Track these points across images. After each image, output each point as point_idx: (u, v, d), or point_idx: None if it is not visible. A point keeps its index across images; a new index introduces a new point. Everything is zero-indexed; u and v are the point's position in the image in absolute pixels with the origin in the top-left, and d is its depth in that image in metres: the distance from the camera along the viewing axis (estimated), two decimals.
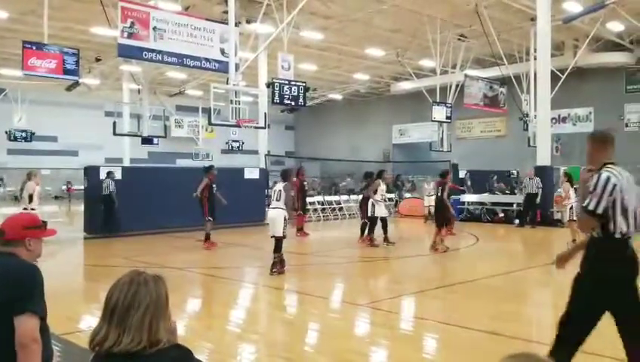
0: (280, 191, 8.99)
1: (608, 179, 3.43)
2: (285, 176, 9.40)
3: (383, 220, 12.71)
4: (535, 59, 19.15)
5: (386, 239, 12.64)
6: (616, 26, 21.48)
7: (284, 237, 8.89)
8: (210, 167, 12.67)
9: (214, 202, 12.24)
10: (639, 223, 3.64)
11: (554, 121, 23.55)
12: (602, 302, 3.52)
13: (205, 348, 5.16)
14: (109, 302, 1.84)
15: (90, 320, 6.01)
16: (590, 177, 3.53)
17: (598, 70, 25.26)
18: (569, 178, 12.10)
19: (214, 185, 12.23)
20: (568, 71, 21.25)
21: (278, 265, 8.78)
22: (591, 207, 3.43)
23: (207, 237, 12.29)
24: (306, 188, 15.36)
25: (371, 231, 12.63)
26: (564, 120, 27.60)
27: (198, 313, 7.23)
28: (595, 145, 3.74)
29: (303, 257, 11.47)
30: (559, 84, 19.92)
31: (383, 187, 12.83)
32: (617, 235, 3.47)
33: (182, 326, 6.06)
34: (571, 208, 11.61)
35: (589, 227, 3.58)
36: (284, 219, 8.84)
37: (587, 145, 3.79)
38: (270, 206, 9.24)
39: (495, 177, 22.68)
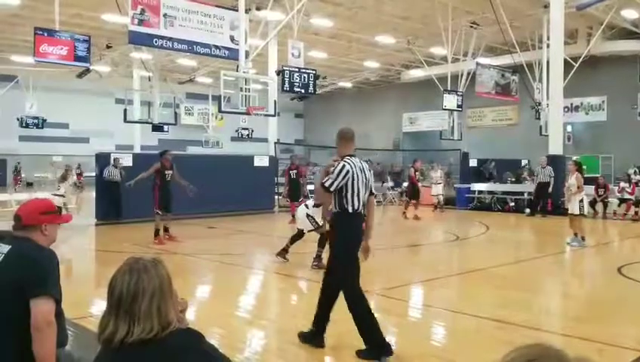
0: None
1: (343, 166, 4.57)
2: None
3: None
4: (548, 47, 18.94)
5: None
6: (630, 14, 21.15)
7: (316, 229, 8.67)
8: (165, 152, 11.44)
9: (168, 192, 11.15)
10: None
11: (566, 109, 23.29)
12: (348, 259, 4.59)
13: (215, 333, 5.20)
14: (112, 294, 1.82)
15: (101, 305, 6.07)
16: (333, 165, 4.65)
17: (611, 58, 24.92)
18: (579, 168, 11.12)
19: (168, 172, 11.03)
20: (581, 59, 20.99)
21: (316, 259, 8.55)
22: (327, 185, 4.58)
23: (157, 233, 11.04)
24: (293, 176, 15.10)
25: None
26: (576, 109, 27.31)
27: (208, 299, 7.30)
28: (341, 142, 4.80)
29: (311, 245, 11.49)
30: (572, 72, 19.69)
31: None
32: (350, 210, 4.58)
33: (192, 311, 6.12)
34: (581, 201, 10.77)
35: (322, 199, 4.81)
36: (307, 216, 8.74)
37: (336, 140, 4.85)
38: None
39: (493, 163, 22.64)
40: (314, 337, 4.76)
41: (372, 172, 4.87)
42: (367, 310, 4.58)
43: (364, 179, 4.66)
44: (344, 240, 4.66)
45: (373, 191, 4.84)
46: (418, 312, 6.43)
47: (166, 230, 11.48)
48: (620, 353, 4.68)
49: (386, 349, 4.45)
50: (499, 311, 6.00)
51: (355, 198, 4.59)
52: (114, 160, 15.10)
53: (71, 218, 3.30)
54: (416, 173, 16.68)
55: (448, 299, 6.93)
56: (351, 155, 4.70)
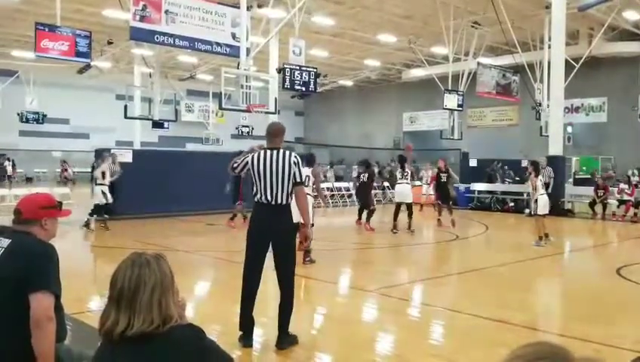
0: (308, 176, 8.59)
1: (246, 157, 4.92)
2: (310, 161, 9.24)
3: (409, 206, 12.92)
4: (549, 47, 18.93)
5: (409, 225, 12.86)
6: (632, 15, 21.16)
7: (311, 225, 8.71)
8: (240, 153, 13.08)
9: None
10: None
11: (567, 110, 23.29)
12: (259, 245, 4.88)
13: (214, 329, 5.21)
14: (114, 288, 1.84)
15: (99, 301, 6.08)
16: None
17: (612, 60, 24.93)
18: (535, 168, 11.20)
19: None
20: (582, 60, 20.99)
21: (309, 254, 8.57)
22: (234, 166, 5.03)
23: (233, 217, 13.03)
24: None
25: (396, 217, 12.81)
26: (577, 109, 27.33)
27: (208, 295, 7.31)
28: (266, 136, 5.02)
29: (311, 243, 11.49)
30: (573, 73, 19.70)
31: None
32: (255, 199, 4.85)
33: (191, 308, 6.12)
34: (536, 201, 10.98)
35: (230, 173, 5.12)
36: (312, 207, 8.69)
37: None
38: None
39: (500, 164, 22.65)
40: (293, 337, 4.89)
41: (296, 163, 4.77)
42: (242, 293, 4.92)
43: (274, 172, 4.73)
44: (248, 225, 4.98)
45: (297, 180, 4.82)
46: (417, 311, 6.44)
47: (232, 217, 13.02)
48: (617, 354, 4.68)
49: (243, 336, 4.79)
50: (497, 311, 6.00)
51: (258, 188, 4.80)
52: (112, 156, 15.05)
53: (70, 213, 3.30)
54: (441, 173, 14.92)
55: (447, 299, 6.94)
56: (272, 148, 4.85)
